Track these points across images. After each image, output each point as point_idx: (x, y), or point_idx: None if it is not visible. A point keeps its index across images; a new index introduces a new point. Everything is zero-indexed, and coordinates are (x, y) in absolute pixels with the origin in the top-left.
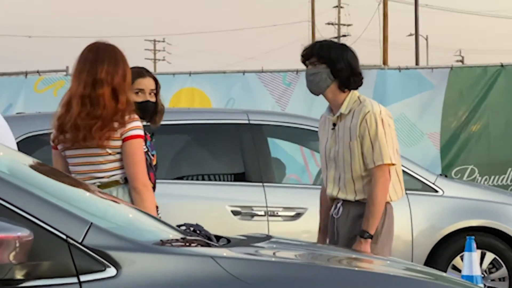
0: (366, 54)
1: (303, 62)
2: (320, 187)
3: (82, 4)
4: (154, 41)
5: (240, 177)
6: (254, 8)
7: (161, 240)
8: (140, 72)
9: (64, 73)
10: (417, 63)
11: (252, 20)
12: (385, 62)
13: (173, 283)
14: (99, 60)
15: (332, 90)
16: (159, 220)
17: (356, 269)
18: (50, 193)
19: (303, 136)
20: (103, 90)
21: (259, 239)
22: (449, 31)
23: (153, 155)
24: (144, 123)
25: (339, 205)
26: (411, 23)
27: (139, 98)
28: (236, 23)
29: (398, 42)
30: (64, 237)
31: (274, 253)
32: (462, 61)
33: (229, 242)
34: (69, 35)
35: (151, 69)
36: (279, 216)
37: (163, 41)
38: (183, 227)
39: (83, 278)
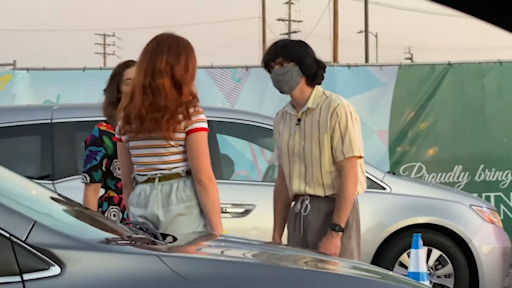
0: (316, 50)
1: (266, 65)
2: (270, 183)
3: None
4: (104, 35)
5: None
6: (204, 4)
7: (106, 239)
8: (127, 64)
9: (11, 67)
10: (366, 60)
11: (202, 15)
12: (335, 59)
13: (118, 282)
14: (159, 50)
15: (300, 87)
16: (106, 218)
17: (304, 268)
18: None
19: (252, 133)
20: (163, 80)
21: (206, 237)
22: (398, 29)
23: None
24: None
25: (306, 201)
26: (361, 20)
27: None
28: (186, 18)
29: (348, 39)
30: (7, 235)
31: (221, 252)
32: (411, 59)
33: (175, 240)
34: (17, 28)
35: (101, 64)
36: (227, 212)
37: (113, 35)
38: (130, 225)
39: (26, 276)
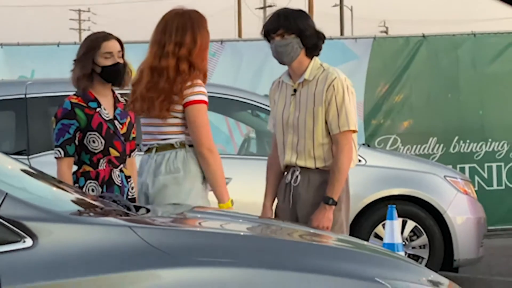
0: None
1: (266, 34)
2: (245, 157)
3: None
4: (79, 10)
5: None
6: None
7: (78, 210)
8: (105, 36)
9: None
10: (342, 34)
11: None
12: None
13: (91, 253)
14: (168, 31)
15: (299, 58)
16: (78, 191)
17: (280, 238)
18: None
19: (227, 106)
20: (168, 62)
21: (180, 209)
22: (373, 2)
23: (122, 123)
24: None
25: (297, 172)
26: None
27: (109, 62)
28: None
29: (323, 12)
30: None
31: (193, 223)
32: (386, 32)
33: (148, 211)
34: None
35: (76, 39)
36: None
37: (88, 11)
38: (103, 198)
39: None
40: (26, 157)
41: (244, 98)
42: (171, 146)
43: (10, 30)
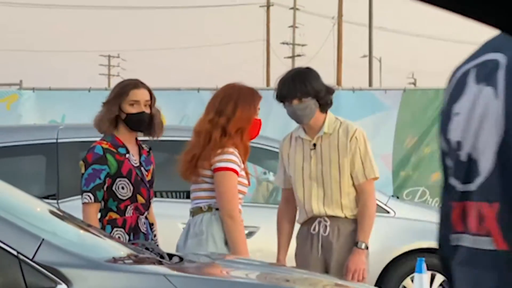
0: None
1: (282, 98)
2: (274, 206)
3: (36, 17)
4: (109, 56)
5: None
6: (208, 25)
7: (113, 258)
8: (135, 84)
9: (18, 86)
10: (370, 84)
11: (207, 37)
12: (339, 82)
13: None
14: (223, 102)
15: (316, 115)
16: (111, 237)
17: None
18: (1, 209)
19: (257, 155)
20: (205, 127)
21: (213, 258)
22: (402, 54)
23: (148, 170)
24: (145, 138)
25: (326, 222)
26: (365, 44)
27: (134, 110)
28: (191, 40)
29: (352, 63)
30: (15, 253)
31: (227, 272)
32: (414, 84)
33: (181, 260)
34: (23, 49)
35: (105, 85)
36: None
37: (118, 57)
38: (136, 245)
39: None
40: (55, 201)
41: (273, 147)
42: (200, 210)
43: (42, 74)
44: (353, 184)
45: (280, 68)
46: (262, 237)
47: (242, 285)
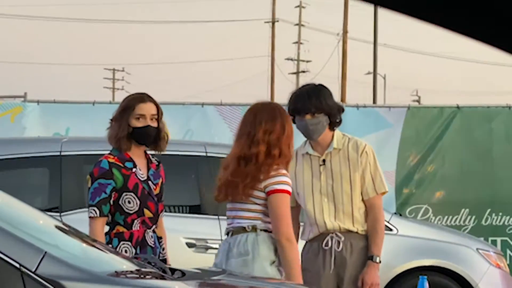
0: None
1: (295, 112)
2: None
3: (40, 30)
4: (114, 70)
5: (195, 209)
6: (213, 41)
7: (115, 271)
8: (142, 98)
9: (22, 99)
10: (374, 102)
11: (212, 53)
12: (343, 99)
13: None
14: (257, 121)
15: (325, 132)
16: (113, 250)
17: None
18: (3, 221)
19: None
20: (259, 148)
21: (214, 273)
22: (406, 71)
23: (156, 183)
24: (152, 152)
25: (339, 238)
26: (370, 61)
27: (140, 124)
28: (196, 55)
29: (356, 80)
30: (18, 265)
31: (229, 287)
32: (418, 101)
33: (184, 275)
34: (28, 61)
35: (109, 98)
36: None
37: (123, 71)
38: (139, 259)
39: None
40: (58, 214)
41: None
42: (243, 230)
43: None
44: (362, 200)
45: (285, 84)
46: None
47: None
